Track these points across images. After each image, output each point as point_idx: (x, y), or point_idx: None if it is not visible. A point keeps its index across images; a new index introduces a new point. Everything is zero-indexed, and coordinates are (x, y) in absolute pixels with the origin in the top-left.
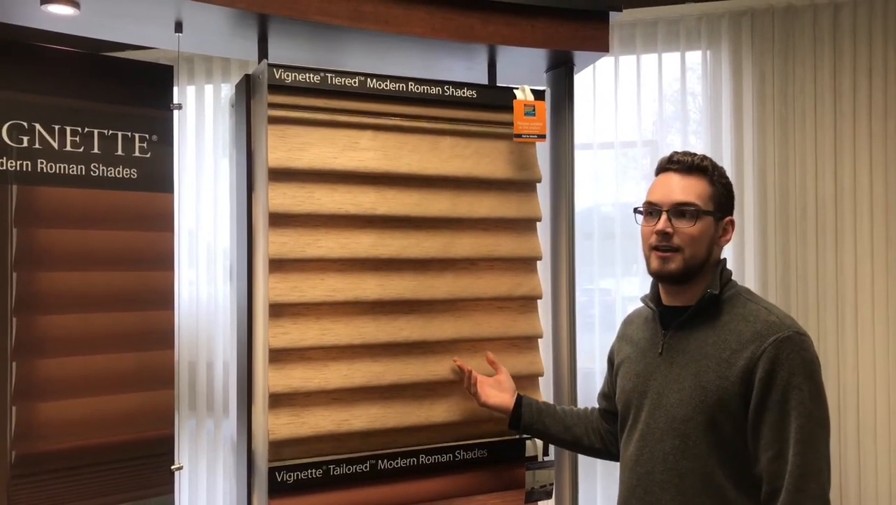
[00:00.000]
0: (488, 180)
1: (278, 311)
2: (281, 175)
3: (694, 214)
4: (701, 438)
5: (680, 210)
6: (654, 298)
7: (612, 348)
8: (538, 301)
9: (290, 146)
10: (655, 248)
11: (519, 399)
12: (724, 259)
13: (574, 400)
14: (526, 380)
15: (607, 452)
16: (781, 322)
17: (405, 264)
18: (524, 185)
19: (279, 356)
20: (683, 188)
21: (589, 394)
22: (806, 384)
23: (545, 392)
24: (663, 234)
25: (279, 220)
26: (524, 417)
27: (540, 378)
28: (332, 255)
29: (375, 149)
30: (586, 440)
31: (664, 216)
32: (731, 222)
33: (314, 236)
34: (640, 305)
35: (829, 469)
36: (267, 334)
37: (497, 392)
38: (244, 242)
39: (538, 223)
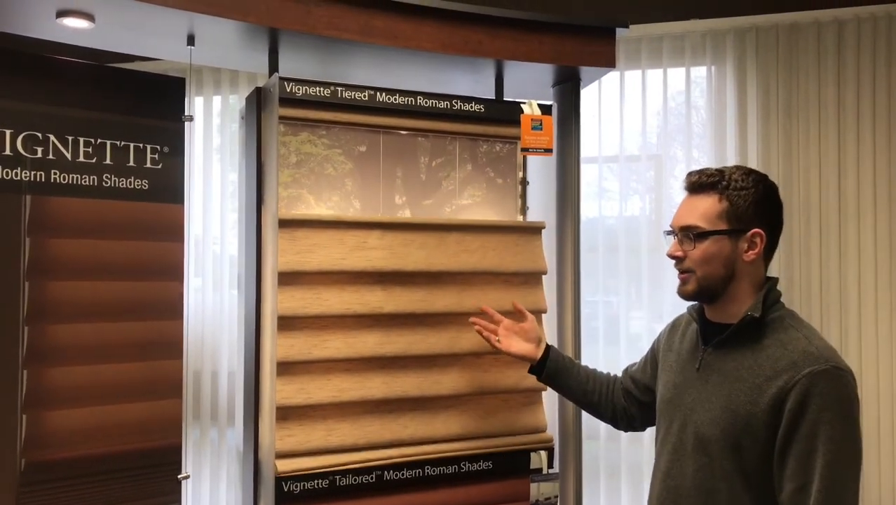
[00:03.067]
0: (494, 273)
1: (284, 413)
2: (290, 278)
3: (695, 237)
4: (726, 460)
5: (684, 234)
6: (699, 310)
7: (659, 345)
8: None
9: (298, 249)
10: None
11: (546, 351)
12: (775, 279)
13: (578, 426)
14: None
15: (614, 422)
16: (820, 354)
17: (411, 361)
18: (529, 277)
19: (285, 456)
20: (689, 210)
21: None
22: (837, 420)
23: (550, 413)
24: (675, 259)
25: (287, 323)
26: (548, 369)
27: (544, 396)
28: (338, 355)
29: (383, 247)
30: (601, 408)
31: (674, 240)
32: (759, 235)
33: (321, 337)
34: (684, 312)
35: None
36: (275, 349)
37: (521, 341)
38: (253, 252)
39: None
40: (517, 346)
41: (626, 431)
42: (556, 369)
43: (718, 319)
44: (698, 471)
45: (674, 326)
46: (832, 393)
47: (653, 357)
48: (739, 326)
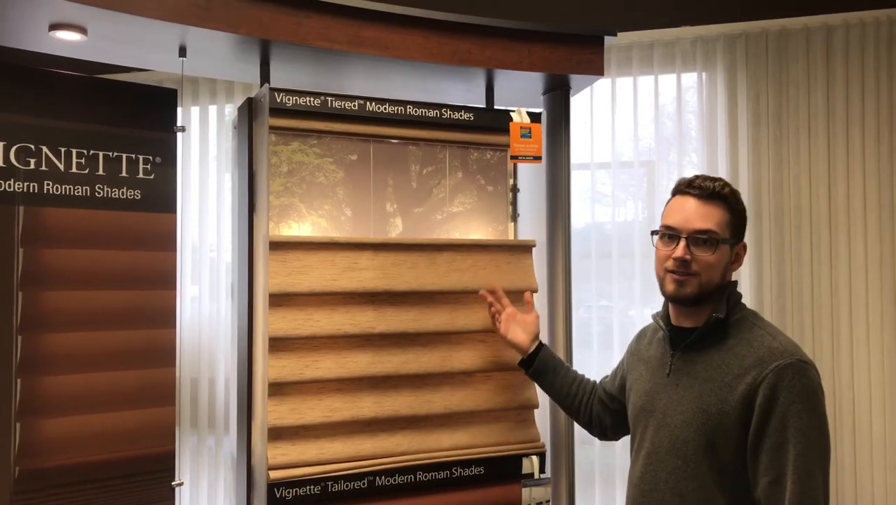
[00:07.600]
0: None
1: (277, 433)
2: (281, 299)
3: (713, 243)
4: (701, 460)
5: (699, 238)
6: (664, 317)
7: (625, 358)
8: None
9: (290, 270)
10: (672, 271)
11: (538, 349)
12: (735, 282)
13: (571, 431)
14: None
15: (589, 428)
16: (785, 349)
17: (402, 380)
18: (521, 295)
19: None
20: (703, 215)
21: None
22: (806, 412)
23: (541, 419)
24: (682, 261)
25: (278, 344)
26: (535, 366)
27: (536, 410)
28: (330, 375)
29: (375, 268)
30: (580, 413)
31: (683, 243)
32: (744, 247)
33: (313, 358)
34: (651, 321)
35: (827, 498)
36: (266, 370)
37: (519, 330)
38: (245, 269)
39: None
40: (514, 333)
41: (599, 438)
42: (545, 368)
43: (684, 323)
44: (672, 474)
45: (640, 335)
46: (798, 385)
47: (621, 369)
48: (705, 328)
